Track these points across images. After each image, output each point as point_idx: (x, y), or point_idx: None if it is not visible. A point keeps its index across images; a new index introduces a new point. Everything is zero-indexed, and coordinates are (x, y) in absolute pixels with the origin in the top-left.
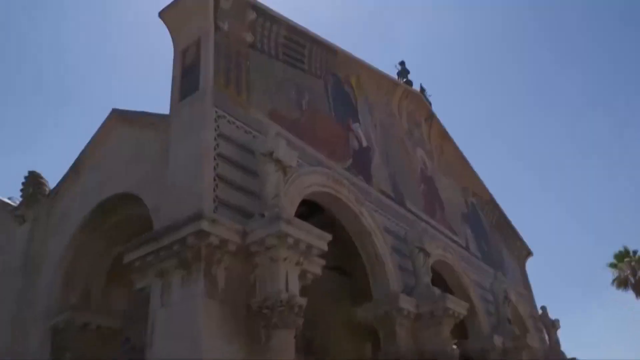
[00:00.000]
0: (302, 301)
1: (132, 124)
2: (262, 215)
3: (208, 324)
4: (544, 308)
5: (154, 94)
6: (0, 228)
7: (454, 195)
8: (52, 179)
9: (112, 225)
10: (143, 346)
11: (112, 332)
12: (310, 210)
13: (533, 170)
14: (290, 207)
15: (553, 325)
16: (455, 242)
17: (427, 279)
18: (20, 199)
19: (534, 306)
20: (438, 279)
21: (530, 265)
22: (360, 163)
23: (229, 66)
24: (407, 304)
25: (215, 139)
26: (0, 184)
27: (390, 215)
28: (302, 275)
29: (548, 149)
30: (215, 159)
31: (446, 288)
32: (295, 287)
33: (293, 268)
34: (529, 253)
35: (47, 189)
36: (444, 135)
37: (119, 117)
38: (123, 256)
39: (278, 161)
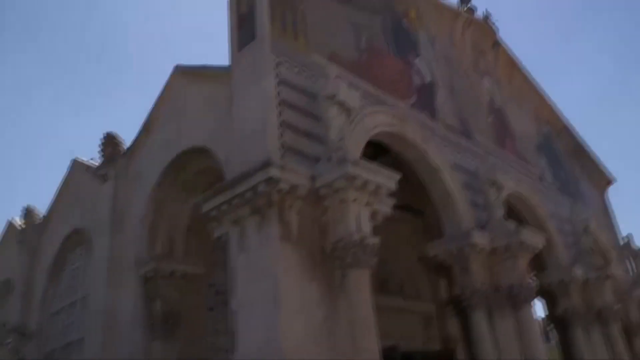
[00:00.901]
0: (375, 240)
1: (195, 78)
2: (329, 159)
3: (285, 266)
4: (628, 237)
5: (215, 47)
6: (86, 188)
7: (526, 124)
8: (126, 139)
9: (188, 177)
10: (227, 290)
11: (197, 278)
12: (376, 151)
13: (612, 93)
14: (356, 148)
15: (638, 254)
16: (529, 173)
17: (500, 212)
18: (100, 160)
19: (617, 235)
20: (512, 213)
21: (612, 193)
22: (425, 99)
23: (284, 11)
24: (480, 239)
25: (276, 86)
26: (77, 146)
27: (459, 151)
28: (373, 215)
29: (625, 67)
30: (278, 106)
31: (521, 221)
32: (366, 227)
33: (363, 208)
34: (610, 181)
35: (123, 148)
36: (512, 62)
37: (183, 73)
38: (201, 206)
39: (340, 103)
